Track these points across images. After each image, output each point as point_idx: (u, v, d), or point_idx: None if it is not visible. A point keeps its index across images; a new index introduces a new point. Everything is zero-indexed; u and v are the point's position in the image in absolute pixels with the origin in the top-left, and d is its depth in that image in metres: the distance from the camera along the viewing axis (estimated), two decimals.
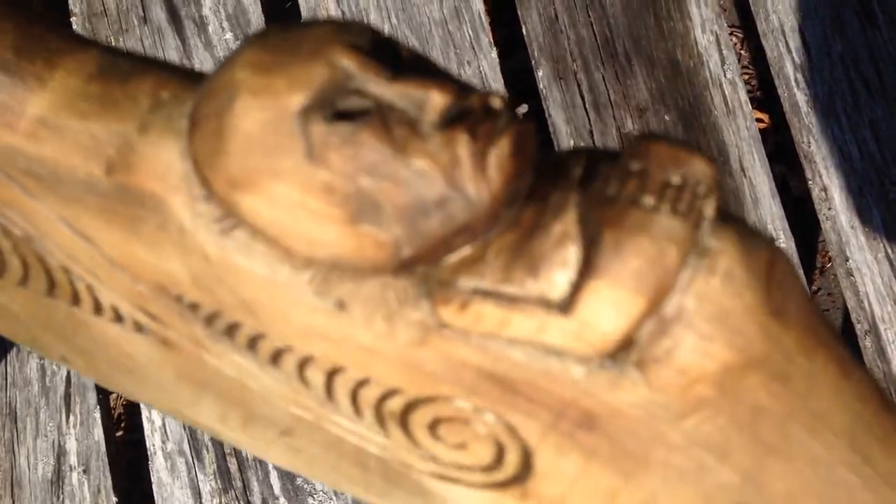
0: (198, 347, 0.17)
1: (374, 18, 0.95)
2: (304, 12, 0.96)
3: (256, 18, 0.96)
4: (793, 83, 0.90)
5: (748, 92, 1.10)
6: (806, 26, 0.91)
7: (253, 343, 0.16)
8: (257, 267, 0.15)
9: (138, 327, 0.17)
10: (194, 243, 0.15)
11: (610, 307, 0.15)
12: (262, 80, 0.14)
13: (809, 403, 0.16)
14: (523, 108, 0.93)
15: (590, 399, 0.16)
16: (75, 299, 0.17)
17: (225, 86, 0.15)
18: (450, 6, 0.94)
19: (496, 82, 0.92)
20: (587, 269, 0.15)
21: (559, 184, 0.15)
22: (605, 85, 0.92)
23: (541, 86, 0.93)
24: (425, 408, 0.16)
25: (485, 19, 0.95)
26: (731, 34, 1.11)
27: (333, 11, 0.95)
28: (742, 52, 1.13)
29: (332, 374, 0.17)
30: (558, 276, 0.15)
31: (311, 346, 0.16)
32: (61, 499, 0.86)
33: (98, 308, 0.17)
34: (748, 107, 0.90)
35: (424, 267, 0.15)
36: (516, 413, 0.16)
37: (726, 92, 0.91)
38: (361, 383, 0.16)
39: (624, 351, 0.15)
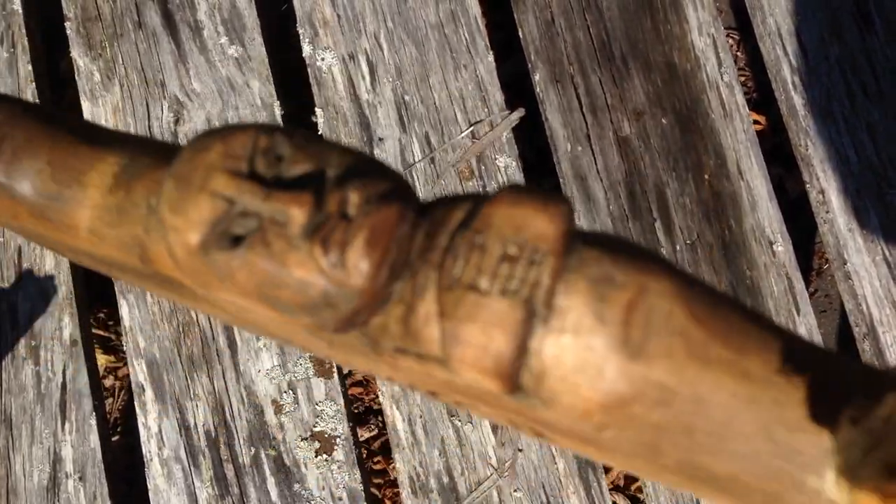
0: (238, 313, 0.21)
1: (369, 22, 0.94)
2: (299, 14, 0.95)
3: (252, 22, 0.95)
4: (790, 86, 0.90)
5: (746, 94, 1.10)
6: (803, 30, 0.91)
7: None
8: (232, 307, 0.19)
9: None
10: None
11: (475, 378, 0.18)
12: (172, 220, 0.18)
13: (704, 410, 0.18)
14: (520, 113, 0.93)
15: (529, 414, 0.18)
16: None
17: (158, 220, 0.19)
18: (446, 9, 0.94)
19: (493, 86, 0.92)
20: (444, 346, 0.18)
21: (427, 256, 0.18)
22: (602, 88, 0.92)
23: (537, 89, 0.92)
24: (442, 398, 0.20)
25: (481, 23, 0.94)
26: (727, 36, 1.11)
27: (329, 16, 0.95)
28: (738, 54, 1.13)
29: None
30: (433, 347, 0.18)
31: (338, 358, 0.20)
32: None
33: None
34: (745, 110, 0.90)
35: (361, 326, 0.18)
36: (495, 410, 0.19)
37: (723, 95, 0.91)
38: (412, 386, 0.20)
39: (522, 392, 0.18)
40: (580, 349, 0.17)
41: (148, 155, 0.20)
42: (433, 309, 0.17)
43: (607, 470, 1.04)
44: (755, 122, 1.10)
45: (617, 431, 0.18)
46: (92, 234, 0.20)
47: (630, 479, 1.05)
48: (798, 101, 0.89)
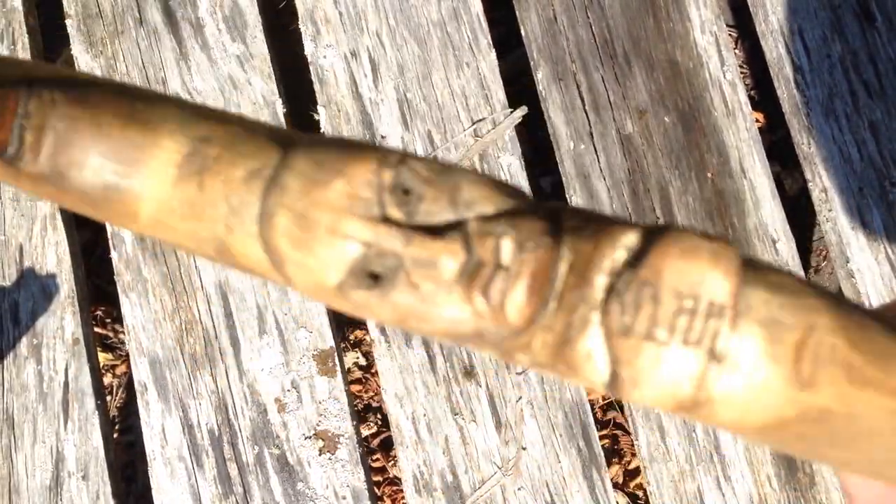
0: None
1: (371, 19, 0.94)
2: (301, 11, 0.95)
3: (253, 20, 0.95)
4: (792, 84, 0.90)
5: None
6: (805, 28, 0.91)
7: None
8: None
9: None
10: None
11: (649, 402, 0.18)
12: (298, 256, 0.17)
13: (853, 423, 0.20)
14: (523, 111, 0.92)
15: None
16: None
17: (272, 250, 0.18)
18: (448, 7, 0.94)
19: (495, 83, 0.92)
20: (615, 383, 0.18)
21: (584, 293, 0.18)
22: (605, 86, 0.92)
23: (540, 87, 0.92)
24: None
25: (483, 20, 0.94)
26: (727, 33, 1.11)
27: (331, 13, 0.95)
28: (736, 51, 1.13)
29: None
30: (594, 381, 0.18)
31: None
32: None
33: None
34: (748, 108, 0.90)
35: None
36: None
37: (726, 93, 0.91)
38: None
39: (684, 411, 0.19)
40: (755, 387, 0.19)
41: (214, 142, 0.20)
42: (601, 351, 0.18)
43: (609, 466, 1.04)
44: (754, 119, 1.10)
45: (764, 439, 0.20)
46: (156, 224, 0.20)
47: (629, 476, 1.06)
48: (800, 99, 0.90)
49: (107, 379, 1.16)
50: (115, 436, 1.10)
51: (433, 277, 0.17)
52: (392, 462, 1.09)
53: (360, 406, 1.12)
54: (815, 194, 0.88)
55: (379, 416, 1.11)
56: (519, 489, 0.84)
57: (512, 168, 0.90)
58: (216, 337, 0.88)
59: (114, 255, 0.91)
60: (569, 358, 0.18)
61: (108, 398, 1.14)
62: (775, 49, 0.91)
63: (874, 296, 0.85)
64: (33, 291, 0.90)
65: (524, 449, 0.85)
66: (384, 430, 1.10)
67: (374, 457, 1.11)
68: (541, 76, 0.92)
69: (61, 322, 0.89)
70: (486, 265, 0.17)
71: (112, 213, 0.20)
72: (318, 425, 0.86)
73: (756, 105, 1.11)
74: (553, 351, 0.18)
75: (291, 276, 0.18)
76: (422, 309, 0.17)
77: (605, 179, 0.90)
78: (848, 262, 0.86)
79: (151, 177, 0.19)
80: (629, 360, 0.18)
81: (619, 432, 1.07)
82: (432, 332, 0.17)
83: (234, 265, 0.19)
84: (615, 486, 1.05)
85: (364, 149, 0.18)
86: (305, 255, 0.17)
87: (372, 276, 0.17)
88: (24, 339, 0.89)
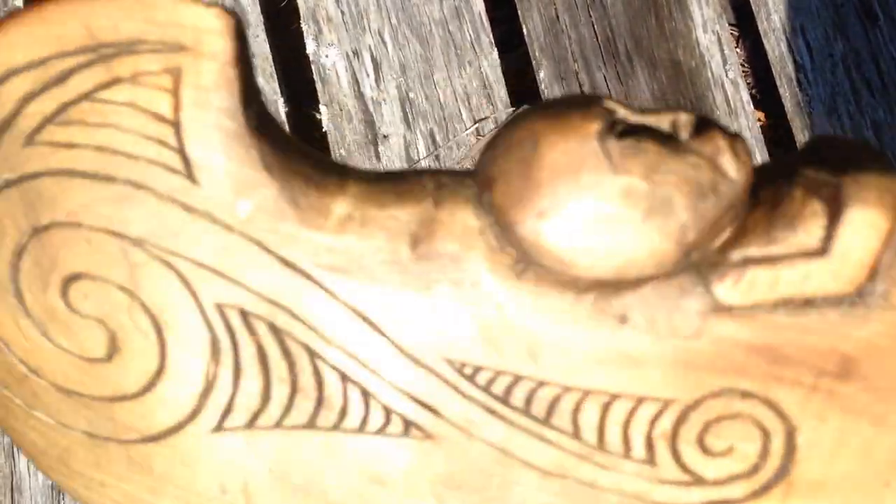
0: (465, 433, 0.18)
1: (373, 19, 0.94)
2: (303, 10, 0.95)
3: (255, 19, 0.95)
4: (794, 84, 0.90)
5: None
6: (807, 27, 0.91)
7: (529, 400, 0.18)
8: (546, 301, 0.17)
9: (406, 427, 0.18)
10: (487, 293, 0.17)
11: (861, 231, 0.17)
12: (559, 123, 0.17)
13: None
14: (524, 109, 0.92)
15: (845, 341, 0.17)
16: (342, 415, 0.18)
17: (523, 138, 0.17)
18: (450, 6, 0.94)
19: (497, 83, 0.92)
20: (834, 210, 0.17)
21: (779, 172, 0.18)
22: (607, 85, 0.92)
23: (542, 86, 0.92)
24: (695, 416, 0.18)
25: (485, 19, 0.94)
26: (729, 32, 1.11)
27: (333, 12, 0.95)
28: (738, 49, 1.13)
29: (606, 407, 0.18)
30: (813, 225, 0.17)
31: (588, 379, 0.17)
32: None
33: (364, 420, 0.18)
34: (750, 107, 0.90)
35: (698, 255, 0.17)
36: (780, 386, 0.18)
37: (728, 92, 0.91)
38: (634, 408, 0.18)
39: (870, 282, 0.17)
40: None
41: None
42: (810, 190, 0.18)
43: None
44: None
45: None
46: (347, 220, 0.18)
47: None
48: (802, 98, 0.90)
49: None
50: None
51: (667, 139, 0.18)
52: None
53: None
54: None
55: None
56: None
57: None
58: None
59: None
60: (786, 215, 0.17)
61: None
62: (777, 48, 0.91)
63: None
64: None
65: None
66: None
67: None
68: (543, 75, 0.92)
69: None
70: (710, 121, 0.18)
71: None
72: None
73: (758, 104, 1.11)
74: (766, 223, 0.18)
75: (535, 176, 0.18)
76: (668, 160, 0.17)
77: None
78: None
79: (353, 178, 0.20)
80: (847, 174, 0.17)
81: None
82: (671, 184, 0.17)
83: (425, 256, 0.19)
84: None
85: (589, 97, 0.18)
86: (568, 118, 0.18)
87: (620, 134, 0.18)
88: None
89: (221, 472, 0.18)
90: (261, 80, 0.93)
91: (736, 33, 1.13)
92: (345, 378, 0.18)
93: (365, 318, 0.17)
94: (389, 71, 0.93)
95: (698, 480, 0.18)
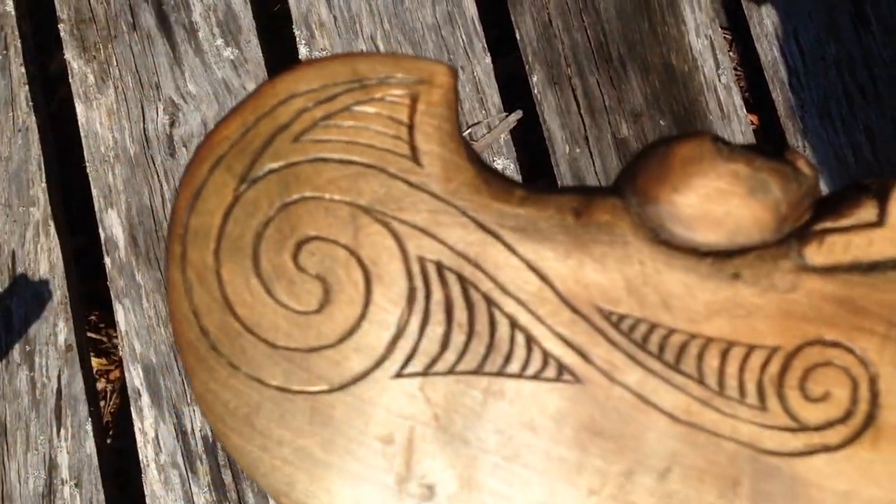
0: (608, 377, 0.22)
1: (366, 23, 0.94)
2: (295, 15, 0.95)
3: (248, 24, 0.95)
4: (787, 88, 0.90)
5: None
6: (800, 31, 0.91)
7: (662, 346, 0.22)
8: (676, 261, 0.22)
9: (559, 371, 0.22)
10: (632, 253, 0.22)
11: None
12: (681, 136, 0.23)
13: None
14: (518, 115, 0.92)
15: None
16: (507, 358, 0.22)
17: (656, 146, 0.23)
18: (443, 11, 0.94)
19: (490, 87, 0.92)
20: (882, 195, 0.22)
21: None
22: (600, 90, 0.92)
23: (535, 91, 0.92)
24: (796, 362, 0.22)
25: (478, 24, 0.94)
26: (722, 36, 1.11)
27: (326, 17, 0.94)
28: (731, 54, 1.13)
29: (724, 353, 0.22)
30: (870, 206, 0.22)
31: (710, 326, 0.22)
32: None
33: (526, 361, 0.22)
34: (743, 111, 0.90)
35: (788, 226, 0.22)
36: (860, 334, 0.22)
37: (721, 96, 0.91)
38: (747, 355, 0.22)
39: None
40: None
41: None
42: (868, 200, 0.23)
43: None
44: (749, 121, 1.10)
45: None
46: (526, 198, 0.24)
47: None
48: (795, 101, 0.89)
49: (100, 384, 1.15)
50: (109, 441, 1.10)
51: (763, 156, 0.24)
52: None
53: None
54: None
55: None
56: None
57: (507, 172, 0.90)
58: None
59: (107, 260, 0.90)
60: (846, 200, 0.23)
61: (102, 404, 1.13)
62: (770, 52, 0.91)
63: None
64: (26, 298, 0.89)
65: None
66: None
67: None
68: (536, 80, 0.92)
69: (54, 329, 0.89)
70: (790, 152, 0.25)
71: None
72: None
73: (751, 108, 1.11)
74: (834, 207, 0.23)
75: (671, 164, 0.24)
76: (766, 161, 0.24)
77: (600, 182, 0.90)
78: None
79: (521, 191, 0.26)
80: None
81: None
82: (774, 178, 0.23)
83: (586, 225, 0.24)
84: None
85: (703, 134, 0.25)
86: (688, 135, 0.24)
87: (728, 150, 0.24)
88: (17, 346, 0.89)
89: (391, 421, 0.22)
90: (253, 86, 0.93)
91: (729, 37, 1.13)
92: (514, 324, 0.22)
93: (536, 270, 0.22)
94: None
95: (802, 426, 0.22)
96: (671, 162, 0.23)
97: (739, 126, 0.90)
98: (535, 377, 0.22)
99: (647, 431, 0.22)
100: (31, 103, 0.94)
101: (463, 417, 0.22)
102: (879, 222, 0.23)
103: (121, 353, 0.89)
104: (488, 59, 0.93)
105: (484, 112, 0.91)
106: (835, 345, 0.22)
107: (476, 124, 0.91)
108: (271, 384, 0.23)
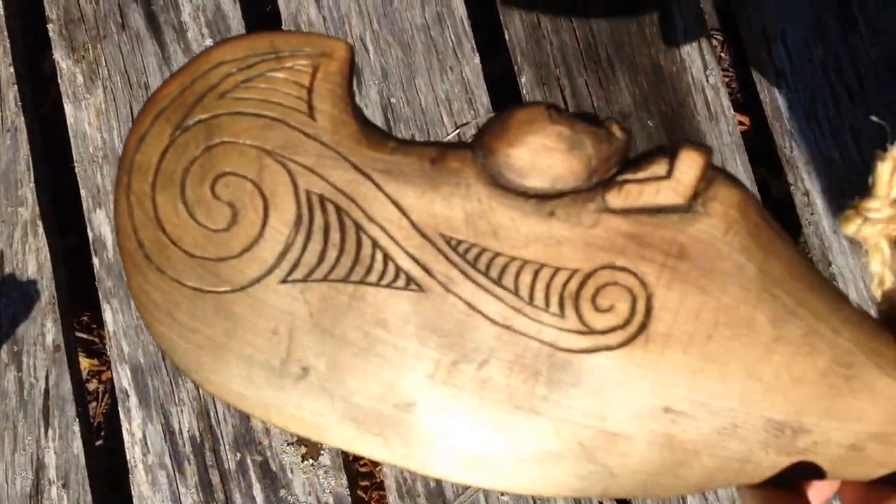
0: (446, 287, 0.29)
1: (355, 24, 0.94)
2: (285, 15, 0.95)
3: (237, 24, 0.95)
4: (774, 88, 0.90)
5: (729, 94, 1.10)
6: (787, 32, 0.91)
7: (490, 264, 0.29)
8: (508, 200, 0.28)
9: (407, 282, 0.29)
10: (474, 192, 0.29)
11: (688, 164, 0.28)
12: (521, 108, 0.29)
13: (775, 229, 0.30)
14: None
15: (682, 234, 0.28)
16: (368, 270, 0.29)
17: (502, 112, 0.29)
18: (432, 11, 0.94)
19: (479, 88, 0.92)
20: (673, 155, 0.28)
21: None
22: (588, 90, 0.92)
23: (524, 91, 0.92)
24: (590, 282, 0.29)
25: (467, 24, 0.94)
26: (711, 37, 1.11)
27: (315, 18, 0.95)
28: (722, 55, 1.13)
29: (536, 273, 0.29)
30: (662, 163, 0.28)
31: (527, 251, 0.29)
32: None
33: (382, 273, 0.29)
34: (731, 112, 0.91)
35: (597, 178, 0.28)
36: (643, 262, 0.28)
37: (709, 97, 0.91)
38: (553, 275, 0.29)
39: (696, 198, 0.28)
40: (740, 192, 0.29)
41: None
42: (662, 158, 0.29)
43: None
44: (739, 122, 1.11)
45: (734, 232, 0.29)
46: (397, 148, 0.30)
47: None
48: (782, 102, 0.90)
49: (92, 385, 1.15)
50: (101, 442, 1.10)
51: (583, 119, 0.29)
52: (379, 467, 1.09)
53: None
54: (798, 198, 0.88)
55: None
56: (502, 494, 0.84)
57: None
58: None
59: (95, 260, 0.90)
60: (647, 159, 0.29)
61: (94, 404, 1.13)
62: (757, 53, 0.91)
63: (855, 299, 0.85)
64: (14, 298, 0.89)
65: None
66: None
67: (363, 462, 1.10)
68: (524, 80, 0.92)
69: (42, 329, 0.89)
70: (609, 123, 0.30)
71: None
72: None
73: (742, 108, 1.11)
74: (636, 165, 0.29)
75: (509, 125, 0.29)
76: (585, 125, 0.28)
77: None
78: (830, 265, 0.86)
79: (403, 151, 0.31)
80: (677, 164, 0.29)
81: None
82: (590, 139, 0.28)
83: (440, 169, 0.30)
84: None
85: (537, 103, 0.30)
86: (529, 105, 0.29)
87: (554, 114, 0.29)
88: (5, 346, 0.88)
89: (277, 316, 0.29)
90: None
91: (722, 38, 1.13)
92: (375, 245, 0.29)
93: (396, 204, 0.29)
94: (371, 76, 0.93)
95: (591, 331, 0.29)
96: (510, 123, 0.29)
97: (727, 127, 0.90)
98: (389, 286, 0.29)
99: (472, 331, 0.29)
100: (19, 103, 0.94)
101: (332, 316, 0.29)
102: (667, 176, 0.28)
103: (108, 353, 0.89)
104: (477, 60, 0.93)
105: (473, 112, 0.91)
106: (623, 269, 0.29)
107: (465, 124, 0.91)
108: (188, 285, 0.30)
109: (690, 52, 0.91)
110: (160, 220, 0.30)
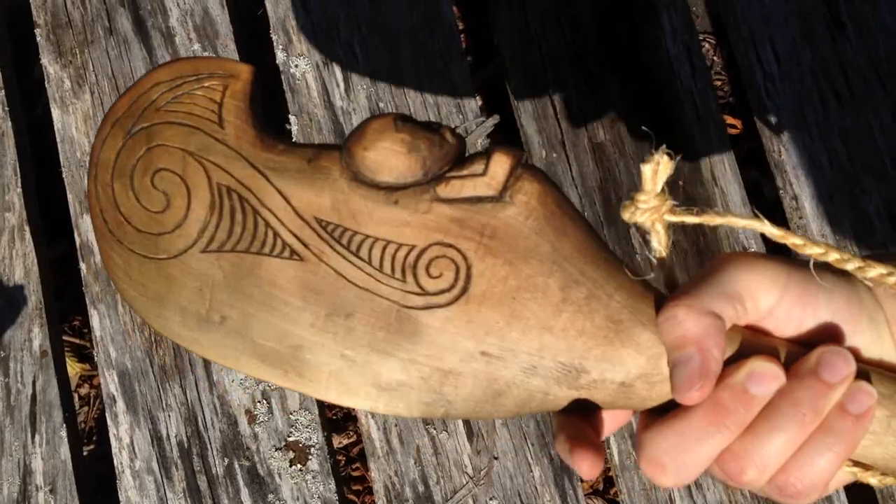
0: (319, 258, 0.38)
1: (343, 28, 0.94)
2: (273, 20, 0.95)
3: (224, 29, 0.94)
4: (763, 92, 0.90)
5: (721, 98, 1.10)
6: (776, 35, 0.91)
7: (350, 240, 0.37)
8: (364, 192, 0.37)
9: (291, 253, 0.38)
10: (339, 185, 0.37)
11: (499, 163, 0.36)
12: (375, 119, 0.37)
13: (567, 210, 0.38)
14: (495, 119, 0.92)
15: (494, 220, 0.37)
16: (263, 244, 0.38)
17: (363, 124, 0.37)
18: (420, 16, 0.94)
19: (467, 92, 0.92)
20: (489, 156, 0.37)
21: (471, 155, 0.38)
22: (577, 95, 0.92)
23: (512, 96, 0.92)
24: (425, 255, 0.37)
25: (455, 29, 0.94)
26: (703, 40, 1.11)
27: (303, 21, 0.94)
28: (714, 58, 1.13)
29: (384, 247, 0.37)
30: (480, 163, 0.37)
31: (378, 231, 0.37)
32: None
33: (273, 246, 0.38)
34: (719, 116, 0.90)
35: (431, 174, 0.37)
36: (464, 240, 0.37)
37: (697, 101, 0.91)
38: (397, 249, 0.37)
39: (505, 191, 0.36)
40: (543, 183, 0.37)
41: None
42: (481, 159, 0.37)
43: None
44: (731, 126, 1.11)
45: (532, 218, 0.37)
46: (285, 150, 0.38)
47: (608, 484, 1.05)
48: (771, 106, 0.90)
49: (84, 390, 1.15)
50: (92, 447, 1.09)
51: (424, 127, 0.37)
52: (369, 472, 1.09)
53: (340, 415, 1.12)
54: (787, 202, 0.88)
55: (358, 425, 1.10)
56: (491, 499, 0.84)
57: None
58: (186, 349, 0.88)
59: (82, 266, 0.90)
60: (469, 162, 0.37)
61: (85, 409, 1.13)
62: (746, 57, 0.91)
63: None
64: (0, 303, 0.89)
65: (496, 458, 0.85)
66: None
67: (354, 465, 1.10)
68: (513, 85, 0.92)
69: (29, 334, 0.88)
70: (442, 128, 0.38)
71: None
72: (288, 437, 0.86)
73: (734, 112, 1.11)
74: (460, 166, 0.37)
75: (373, 124, 0.38)
76: (424, 131, 0.37)
77: (577, 188, 0.90)
78: None
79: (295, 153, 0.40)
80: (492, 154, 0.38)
81: None
82: (425, 143, 0.37)
83: (314, 168, 0.38)
84: (595, 493, 1.04)
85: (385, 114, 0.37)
86: (380, 117, 0.37)
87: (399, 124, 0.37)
88: None
89: (201, 277, 0.38)
90: None
91: (714, 41, 1.13)
92: (267, 225, 0.38)
93: (282, 194, 0.38)
94: (359, 81, 0.92)
95: (425, 292, 0.37)
96: (365, 130, 0.37)
97: (716, 131, 0.90)
98: (278, 256, 0.38)
99: (339, 291, 0.37)
100: (6, 108, 0.94)
101: (239, 278, 0.38)
102: (483, 173, 0.36)
103: (96, 359, 0.89)
104: (465, 64, 0.93)
105: (461, 116, 0.91)
106: (449, 246, 0.37)
107: (454, 129, 0.91)
108: (138, 253, 0.39)
109: (679, 57, 0.91)
110: (117, 204, 0.39)
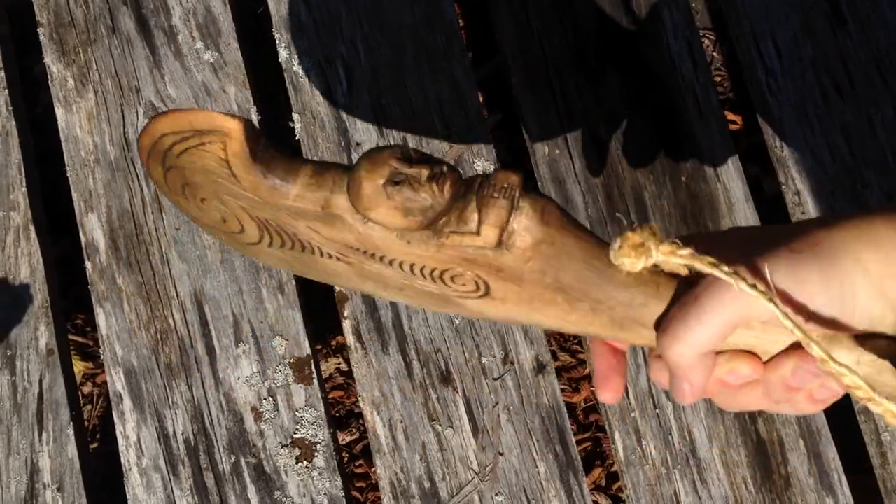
0: (360, 264, 0.46)
1: (346, 26, 0.94)
2: (275, 18, 0.95)
3: (227, 27, 0.95)
4: (764, 87, 0.90)
5: (722, 94, 1.10)
6: (777, 31, 0.91)
7: (381, 258, 0.45)
8: (378, 232, 0.44)
9: (329, 257, 0.46)
10: (355, 228, 0.44)
11: (491, 227, 0.43)
12: (367, 176, 0.43)
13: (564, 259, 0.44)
14: (497, 116, 0.92)
15: (497, 262, 0.44)
16: (312, 252, 0.46)
17: (354, 179, 0.43)
18: (422, 12, 0.94)
19: (469, 89, 0.92)
20: (479, 220, 0.43)
21: (467, 195, 0.44)
22: (579, 91, 0.92)
23: (514, 92, 0.92)
24: (446, 273, 0.45)
25: (457, 26, 0.94)
26: (703, 36, 1.11)
27: (305, 19, 0.95)
28: (715, 54, 1.14)
29: (412, 265, 0.45)
30: (472, 220, 0.43)
31: (402, 257, 0.45)
32: None
33: (322, 254, 0.46)
34: (721, 111, 0.91)
35: (439, 225, 0.43)
36: (476, 270, 0.44)
37: (699, 97, 0.91)
38: (422, 267, 0.45)
39: (500, 245, 0.43)
40: (534, 222, 0.43)
41: (328, 166, 0.44)
42: (475, 215, 0.43)
43: (588, 472, 1.04)
44: (732, 122, 1.11)
45: (532, 264, 0.43)
46: (298, 197, 0.44)
47: (612, 479, 1.06)
48: (772, 102, 0.90)
49: (88, 388, 1.15)
50: (96, 445, 1.10)
51: (418, 182, 0.43)
52: (374, 468, 1.09)
53: (343, 412, 1.12)
54: (789, 197, 0.89)
55: (361, 422, 1.11)
56: (496, 495, 0.84)
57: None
58: (192, 346, 0.88)
59: (87, 264, 0.91)
60: (465, 219, 0.43)
61: (89, 407, 1.13)
62: (747, 52, 0.91)
63: None
64: (6, 302, 0.90)
65: (501, 454, 0.85)
66: (367, 436, 1.10)
67: (358, 462, 1.11)
68: (515, 81, 0.92)
69: (35, 332, 0.89)
70: (437, 172, 0.43)
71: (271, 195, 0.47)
72: (294, 434, 0.86)
73: (735, 107, 1.11)
74: (456, 221, 0.44)
75: (364, 185, 0.43)
76: (414, 195, 0.42)
77: (579, 184, 0.90)
78: None
79: (300, 174, 0.46)
80: (486, 205, 0.43)
81: (601, 435, 1.07)
82: (418, 206, 0.43)
83: (328, 214, 0.45)
84: (598, 488, 1.05)
85: (388, 146, 0.43)
86: (372, 174, 0.43)
87: (395, 182, 0.43)
88: None
89: (270, 260, 0.48)
90: (233, 89, 0.93)
91: (715, 37, 1.13)
92: (311, 243, 0.46)
93: (312, 228, 0.45)
94: (362, 78, 0.93)
95: (456, 291, 0.45)
96: (360, 194, 0.43)
97: (717, 127, 0.90)
98: (329, 258, 0.46)
99: (387, 280, 0.46)
100: (10, 108, 0.94)
101: (304, 262, 0.47)
102: (477, 232, 0.43)
103: (102, 357, 0.89)
104: (467, 61, 0.93)
105: (463, 113, 0.92)
106: (461, 274, 0.45)
107: (455, 126, 0.91)
108: (225, 232, 0.50)
109: (680, 53, 0.92)
110: (187, 210, 0.49)
